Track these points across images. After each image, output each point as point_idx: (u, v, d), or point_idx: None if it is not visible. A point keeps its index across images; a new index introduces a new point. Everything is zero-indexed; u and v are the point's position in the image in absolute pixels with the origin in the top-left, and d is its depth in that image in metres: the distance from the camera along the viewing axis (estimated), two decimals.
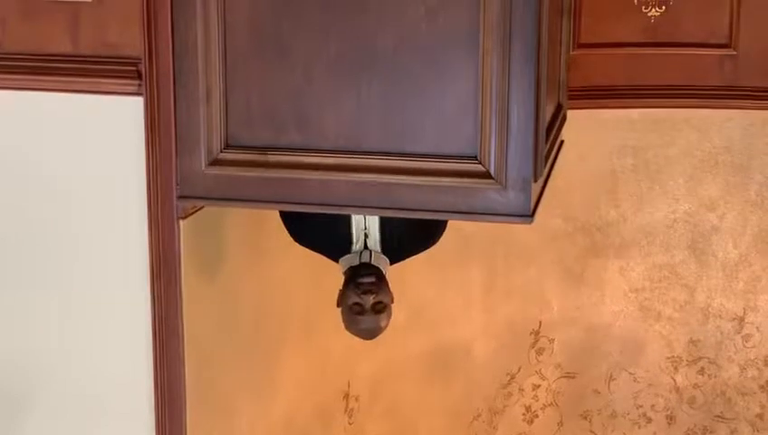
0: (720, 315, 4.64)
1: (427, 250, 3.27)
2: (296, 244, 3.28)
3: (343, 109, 2.62)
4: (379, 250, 3.13)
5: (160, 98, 2.73)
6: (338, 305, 3.20)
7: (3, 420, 3.07)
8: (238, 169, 2.69)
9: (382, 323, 3.16)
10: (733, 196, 4.46)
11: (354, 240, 3.13)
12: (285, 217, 3.19)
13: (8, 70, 2.86)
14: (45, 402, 3.05)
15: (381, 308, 3.11)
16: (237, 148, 2.69)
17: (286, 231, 3.24)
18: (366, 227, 3.09)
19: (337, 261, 3.20)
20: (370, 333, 3.20)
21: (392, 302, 3.18)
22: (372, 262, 3.13)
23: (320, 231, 3.16)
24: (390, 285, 3.22)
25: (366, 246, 3.13)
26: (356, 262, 3.13)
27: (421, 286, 4.27)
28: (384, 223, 3.10)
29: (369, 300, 3.09)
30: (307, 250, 3.29)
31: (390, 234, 3.12)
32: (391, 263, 3.20)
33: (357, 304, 3.10)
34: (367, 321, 3.13)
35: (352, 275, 3.12)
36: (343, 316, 3.19)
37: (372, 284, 3.08)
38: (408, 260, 3.31)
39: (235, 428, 3.36)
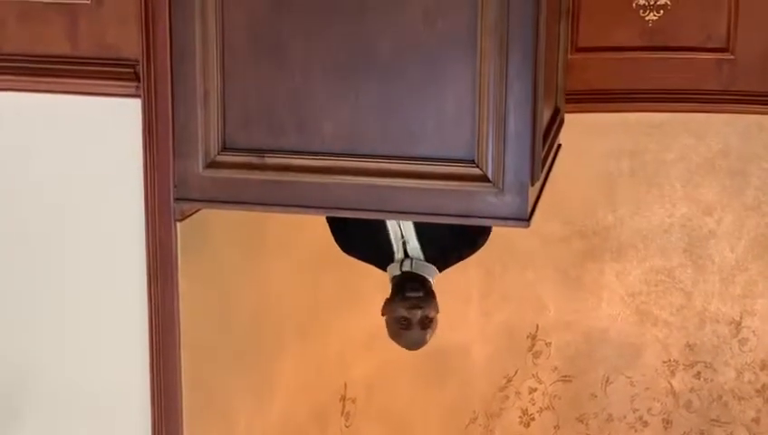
0: (717, 320, 4.64)
1: (476, 253, 3.20)
2: (293, 246, 3.28)
3: (341, 111, 2.62)
4: (422, 257, 3.08)
5: (158, 100, 2.73)
6: (382, 314, 3.14)
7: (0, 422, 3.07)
8: (235, 172, 2.69)
9: (427, 337, 3.10)
10: (730, 200, 4.47)
11: (395, 249, 3.09)
12: (333, 227, 3.16)
13: (6, 71, 2.86)
14: (41, 405, 3.05)
15: (428, 323, 3.05)
16: (235, 150, 2.69)
17: (281, 235, 3.24)
18: (403, 236, 3.06)
19: (385, 270, 3.16)
20: (415, 346, 3.15)
21: (437, 313, 3.12)
22: (414, 270, 3.07)
23: (364, 241, 3.13)
24: (385, 288, 3.20)
25: (407, 255, 3.08)
26: (397, 271, 3.08)
27: None
28: (420, 230, 3.05)
29: (417, 315, 3.03)
30: (303, 252, 3.29)
31: (429, 240, 3.07)
32: (440, 269, 3.14)
33: (404, 318, 3.04)
34: (412, 335, 3.08)
35: (400, 288, 3.05)
36: (388, 327, 3.13)
37: (420, 298, 3.02)
38: None
39: (232, 430, 3.36)
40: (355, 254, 3.21)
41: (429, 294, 3.06)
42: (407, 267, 3.09)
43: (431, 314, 3.06)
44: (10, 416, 3.06)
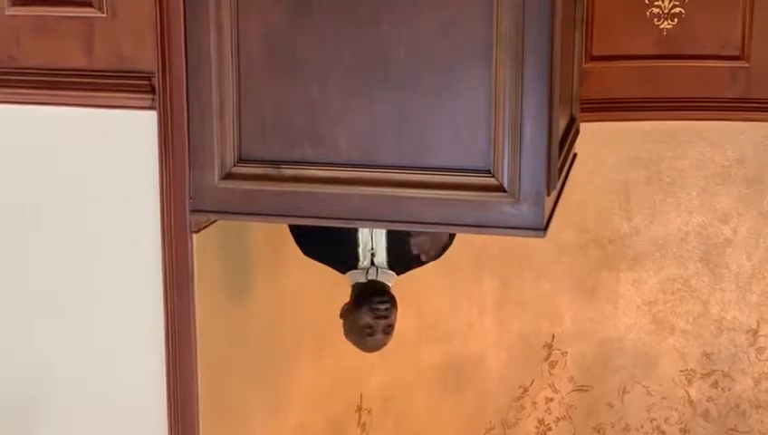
0: (734, 328, 4.62)
1: (436, 260, 3.27)
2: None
3: (356, 122, 2.63)
4: (386, 266, 3.16)
5: (174, 112, 2.73)
6: (341, 317, 3.24)
7: (14, 433, 3.07)
8: (251, 183, 2.69)
9: (388, 341, 3.23)
10: (746, 208, 4.45)
11: (361, 258, 3.15)
12: (293, 227, 3.20)
13: (23, 84, 2.87)
14: (58, 416, 3.05)
15: (390, 330, 3.18)
16: (250, 161, 2.69)
17: (296, 246, 3.26)
18: (373, 248, 3.11)
19: (343, 272, 3.21)
20: (375, 349, 3.26)
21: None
22: (378, 278, 3.16)
23: (327, 245, 3.17)
24: (400, 296, 3.23)
25: (372, 263, 3.16)
26: (363, 279, 3.16)
27: (434, 299, 4.27)
28: (390, 242, 3.12)
29: (382, 324, 3.15)
30: (319, 263, 3.30)
31: (397, 252, 3.15)
32: (398, 274, 3.22)
33: (370, 326, 3.15)
34: (375, 341, 3.20)
35: (365, 296, 3.15)
36: (346, 328, 3.24)
37: (387, 310, 3.13)
38: (421, 272, 3.32)
39: None
40: (314, 256, 3.26)
41: (393, 303, 3.17)
42: (372, 276, 3.17)
43: (394, 323, 3.18)
44: (25, 428, 3.07)
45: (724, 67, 3.87)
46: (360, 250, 3.15)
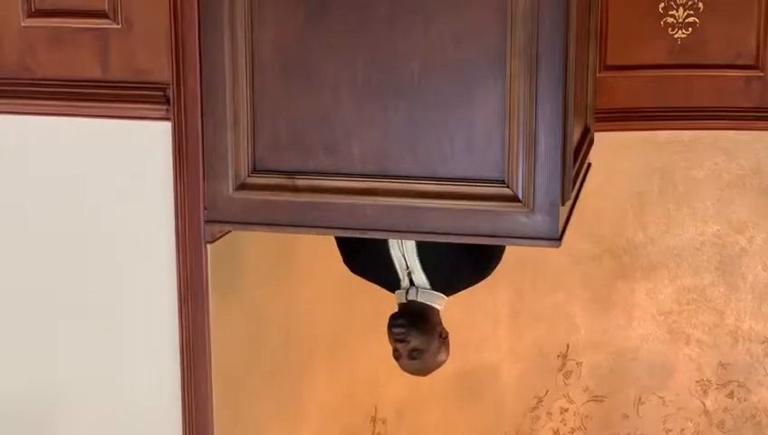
0: (750, 338, 4.61)
1: (483, 280, 3.23)
2: (322, 267, 3.29)
3: (371, 133, 2.63)
4: (428, 286, 3.12)
5: (188, 123, 2.74)
6: None
7: None
8: (266, 194, 2.70)
9: (428, 365, 3.16)
10: (761, 217, 4.44)
11: (401, 278, 3.13)
12: (341, 247, 3.19)
13: (38, 96, 2.88)
14: (72, 425, 3.05)
15: (417, 355, 3.11)
16: (265, 172, 2.69)
17: (311, 257, 3.25)
18: (408, 267, 3.10)
19: (393, 292, 3.20)
20: (413, 374, 3.22)
21: (446, 336, 3.17)
22: (419, 299, 3.11)
23: (371, 265, 3.17)
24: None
25: (413, 283, 3.13)
26: (403, 299, 3.14)
27: (448, 309, 4.25)
28: (424, 261, 3.09)
29: (401, 348, 3.10)
30: (333, 273, 3.30)
31: (434, 270, 3.11)
32: (448, 295, 3.17)
33: (394, 349, 3.12)
34: (404, 365, 3.15)
35: (389, 321, 3.12)
36: None
37: (402, 333, 3.08)
38: None
39: None
40: (362, 277, 3.25)
41: (418, 325, 3.10)
42: (412, 296, 3.13)
43: (420, 346, 3.11)
44: (40, 434, 3.08)
45: (738, 76, 3.86)
46: (399, 271, 3.13)
